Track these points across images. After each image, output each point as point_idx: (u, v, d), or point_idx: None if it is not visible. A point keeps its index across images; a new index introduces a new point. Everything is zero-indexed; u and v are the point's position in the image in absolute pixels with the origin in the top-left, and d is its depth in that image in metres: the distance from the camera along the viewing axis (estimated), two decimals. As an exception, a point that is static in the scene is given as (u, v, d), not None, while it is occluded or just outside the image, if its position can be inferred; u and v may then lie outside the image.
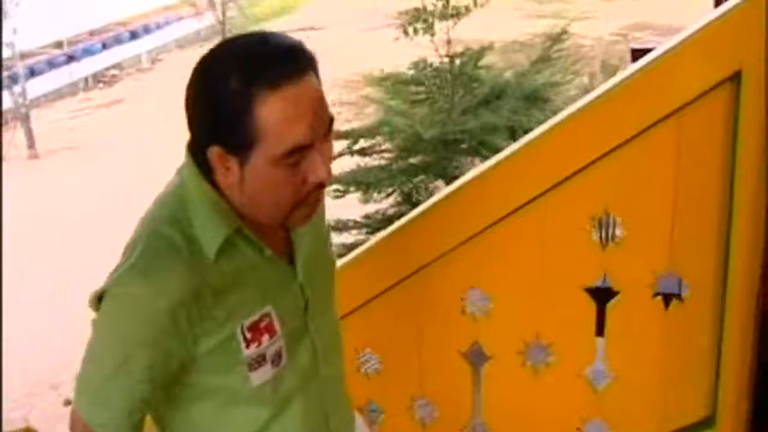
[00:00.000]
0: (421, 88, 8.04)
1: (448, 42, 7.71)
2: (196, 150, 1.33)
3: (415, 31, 8.58)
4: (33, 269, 11.37)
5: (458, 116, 7.60)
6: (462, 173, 7.65)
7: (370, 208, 7.39)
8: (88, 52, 25.05)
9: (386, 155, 7.81)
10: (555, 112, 7.13)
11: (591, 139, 1.82)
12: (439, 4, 7.81)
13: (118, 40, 26.51)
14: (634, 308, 1.90)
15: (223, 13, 21.50)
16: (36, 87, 20.40)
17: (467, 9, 8.02)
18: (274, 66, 1.24)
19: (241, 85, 1.23)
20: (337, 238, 6.65)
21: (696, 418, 1.93)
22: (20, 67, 18.75)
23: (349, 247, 4.69)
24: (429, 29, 8.30)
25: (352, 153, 7.56)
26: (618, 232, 1.87)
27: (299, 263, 1.44)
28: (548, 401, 2.04)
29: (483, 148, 7.40)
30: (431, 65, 7.81)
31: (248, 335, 1.37)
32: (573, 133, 1.84)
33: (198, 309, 1.31)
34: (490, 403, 2.11)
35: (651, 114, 1.74)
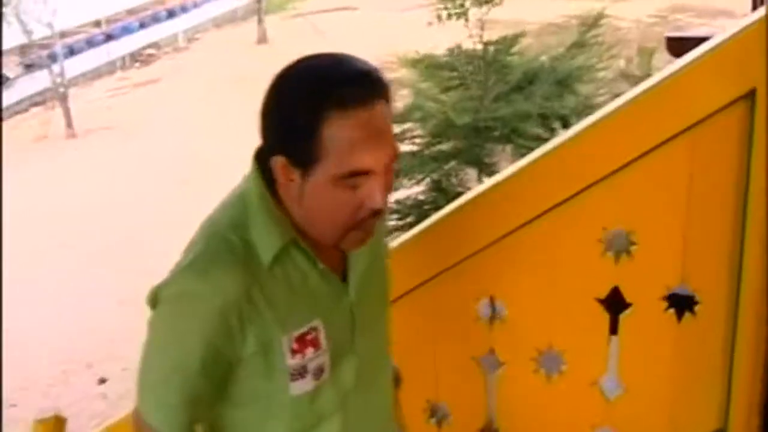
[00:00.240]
0: (455, 74, 8.02)
1: (482, 28, 7.66)
2: (264, 158, 1.36)
3: (449, 15, 8.56)
4: (70, 249, 11.54)
5: (490, 103, 7.58)
6: (493, 160, 7.65)
7: (401, 194, 7.41)
8: (126, 30, 25.26)
9: (417, 141, 7.81)
10: (588, 98, 7.07)
11: (606, 152, 1.82)
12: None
13: (155, 19, 26.71)
14: (646, 321, 1.90)
15: (260, -8, 21.57)
16: (74, 66, 20.61)
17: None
18: (345, 88, 1.26)
19: (310, 102, 1.26)
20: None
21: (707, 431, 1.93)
22: (59, 47, 18.94)
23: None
24: (463, 14, 8.28)
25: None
26: (631, 245, 1.87)
27: (352, 282, 1.47)
28: (560, 408, 2.06)
29: (514, 136, 7.39)
30: (462, 49, 7.78)
31: (294, 346, 1.40)
32: (588, 147, 1.85)
33: (249, 310, 1.34)
34: (503, 408, 2.13)
35: (665, 130, 1.74)
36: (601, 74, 8.69)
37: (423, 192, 7.59)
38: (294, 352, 1.40)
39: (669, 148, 1.75)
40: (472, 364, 2.10)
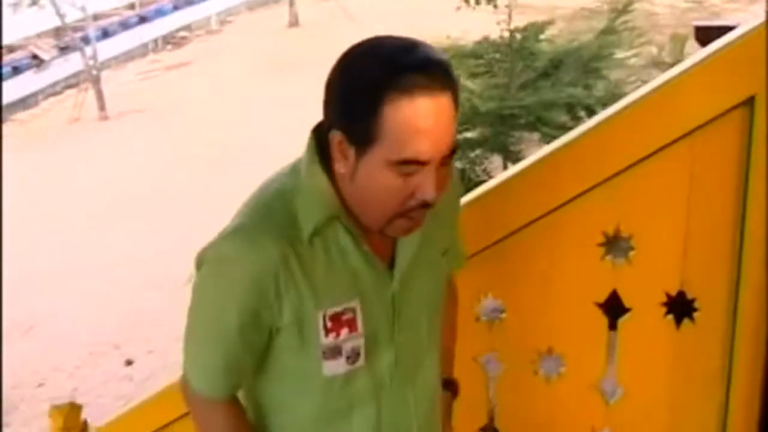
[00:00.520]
0: (481, 61, 7.97)
1: (509, 15, 7.60)
2: (323, 132, 1.35)
3: (477, 1, 8.50)
4: (101, 231, 11.66)
5: (516, 90, 7.53)
6: (519, 148, 7.61)
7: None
8: (160, 13, 25.35)
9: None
10: (618, 85, 6.95)
11: (605, 156, 1.81)
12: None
13: (188, 2, 26.75)
14: (645, 326, 1.89)
15: (294, -24, 21.57)
16: (107, 48, 20.76)
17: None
18: (414, 73, 1.24)
19: (376, 82, 1.25)
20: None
21: (705, 439, 1.93)
22: (92, 29, 19.08)
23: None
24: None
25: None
26: (630, 250, 1.86)
27: (397, 271, 1.44)
28: (560, 410, 2.06)
29: (539, 124, 7.33)
30: (488, 38, 7.73)
31: (329, 324, 1.39)
32: (588, 150, 1.83)
33: (286, 279, 1.34)
34: (503, 409, 2.13)
35: (664, 135, 1.73)
36: (633, 60, 8.59)
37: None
38: (328, 330, 1.39)
39: (669, 153, 1.74)
40: (473, 365, 2.10)
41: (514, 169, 1.93)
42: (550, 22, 8.16)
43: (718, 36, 1.74)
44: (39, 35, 22.55)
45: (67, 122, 17.86)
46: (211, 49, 22.52)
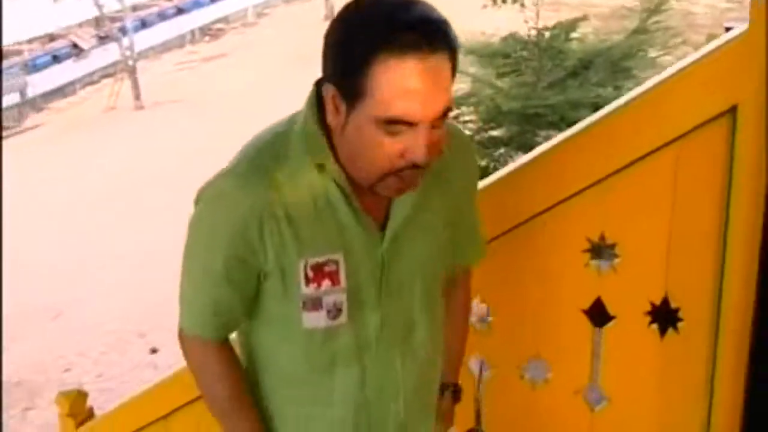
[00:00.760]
0: (509, 60, 7.91)
1: (537, 14, 7.54)
2: (321, 84, 1.35)
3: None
4: (131, 221, 11.79)
5: (543, 90, 7.47)
6: (545, 147, 7.55)
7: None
8: (198, 4, 25.52)
9: (469, 126, 7.75)
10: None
11: (590, 162, 1.80)
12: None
13: (227, -7, 26.87)
14: (629, 334, 1.88)
15: (330, -31, 21.57)
16: (145, 39, 20.96)
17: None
18: (405, 32, 1.22)
19: (367, 38, 1.24)
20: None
21: (689, 446, 1.91)
22: (129, 20, 19.27)
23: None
24: (517, -1, 8.14)
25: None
26: (614, 257, 1.84)
27: (389, 231, 1.42)
28: (546, 416, 2.05)
29: (564, 124, 7.27)
30: (516, 36, 7.67)
31: (310, 273, 1.39)
32: (572, 156, 1.82)
33: (270, 223, 1.35)
34: (489, 412, 2.12)
35: (648, 143, 1.71)
36: (665, 60, 8.47)
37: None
38: (309, 280, 1.39)
39: (652, 161, 1.72)
40: (461, 368, 2.10)
41: (498, 174, 1.92)
42: (581, 20, 8.06)
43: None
44: (80, 24, 22.85)
45: (102, 111, 18.07)
46: (247, 42, 22.66)
